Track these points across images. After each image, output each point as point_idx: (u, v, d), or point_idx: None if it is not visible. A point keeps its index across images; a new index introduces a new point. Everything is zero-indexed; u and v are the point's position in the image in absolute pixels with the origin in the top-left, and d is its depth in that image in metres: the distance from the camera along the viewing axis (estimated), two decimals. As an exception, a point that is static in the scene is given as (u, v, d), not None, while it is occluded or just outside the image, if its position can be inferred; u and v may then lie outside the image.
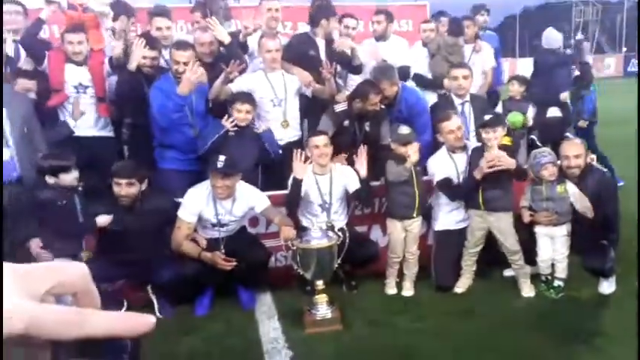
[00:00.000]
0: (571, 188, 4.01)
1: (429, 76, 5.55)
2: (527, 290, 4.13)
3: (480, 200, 4.11)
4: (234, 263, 3.89)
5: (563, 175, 4.06)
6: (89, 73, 4.61)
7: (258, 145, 4.47)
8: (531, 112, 5.41)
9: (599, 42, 34.08)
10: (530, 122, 5.37)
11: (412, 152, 4.08)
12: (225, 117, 4.39)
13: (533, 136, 5.72)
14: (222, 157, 3.88)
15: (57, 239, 3.68)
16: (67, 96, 4.56)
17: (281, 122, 4.76)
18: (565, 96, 5.99)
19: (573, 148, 4.10)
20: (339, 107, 4.61)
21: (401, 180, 4.19)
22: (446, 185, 4.28)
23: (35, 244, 3.67)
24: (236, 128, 4.37)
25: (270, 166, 4.62)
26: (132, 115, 4.66)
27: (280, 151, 4.66)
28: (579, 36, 6.35)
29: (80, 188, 3.86)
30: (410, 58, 5.52)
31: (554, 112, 5.65)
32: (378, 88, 4.54)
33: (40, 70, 4.61)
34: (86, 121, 4.62)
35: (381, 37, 5.56)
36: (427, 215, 4.53)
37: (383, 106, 4.64)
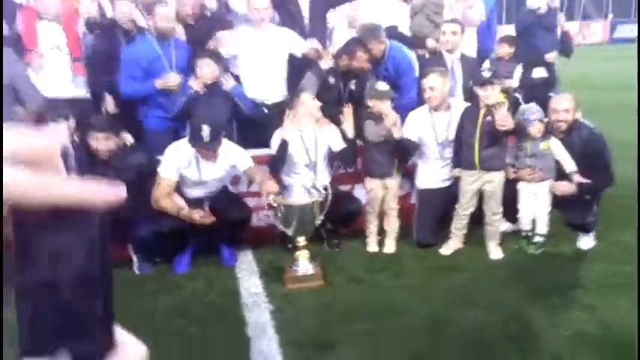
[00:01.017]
0: (555, 145, 3.99)
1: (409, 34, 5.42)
2: (497, 252, 4.12)
3: (476, 160, 4.05)
4: (212, 218, 3.83)
5: (549, 132, 4.03)
6: (63, 30, 4.46)
7: (230, 102, 4.36)
8: (518, 72, 5.36)
9: (586, 7, 33.82)
10: (517, 83, 5.32)
11: (387, 110, 4.02)
12: (192, 77, 4.28)
13: (517, 95, 5.69)
14: (206, 129, 3.77)
15: None
16: (40, 54, 4.41)
17: (267, 80, 4.63)
18: (551, 56, 5.93)
19: (563, 103, 4.06)
20: (325, 64, 4.52)
21: (379, 140, 4.15)
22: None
23: None
24: (204, 88, 4.27)
25: (247, 124, 4.53)
26: (111, 74, 4.50)
27: (266, 111, 4.57)
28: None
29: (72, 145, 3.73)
30: (392, 15, 5.40)
31: (539, 72, 5.60)
32: (365, 46, 4.45)
33: (12, 29, 4.46)
34: (61, 80, 4.48)
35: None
36: (410, 173, 4.52)
37: (369, 65, 4.55)
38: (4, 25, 4.43)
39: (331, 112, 4.27)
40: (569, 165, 3.98)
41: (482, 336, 3.09)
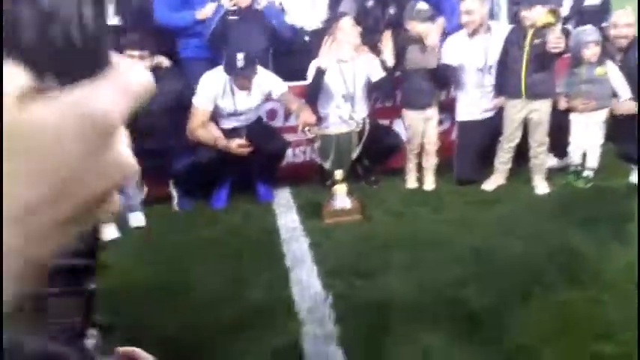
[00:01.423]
0: (612, 69, 3.75)
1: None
2: (543, 187, 3.93)
3: (522, 87, 3.82)
4: (250, 148, 3.77)
5: (606, 54, 3.78)
6: None
7: (267, 28, 4.19)
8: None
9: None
10: (566, 12, 4.99)
11: (432, 32, 3.81)
12: (200, 10, 4.15)
13: (568, 26, 5.36)
14: (240, 56, 3.67)
15: None
16: None
17: (309, 6, 4.48)
18: None
19: (625, 16, 3.81)
20: None
21: (420, 67, 3.96)
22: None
23: None
24: (235, 8, 4.11)
25: (285, 54, 4.38)
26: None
27: (307, 38, 4.41)
28: None
29: None
30: None
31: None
32: None
33: None
34: None
35: None
36: (450, 107, 4.35)
37: None
38: None
39: (369, 40, 4.08)
40: (625, 92, 3.74)
41: (528, 265, 2.98)
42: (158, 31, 4.24)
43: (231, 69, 3.72)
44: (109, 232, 3.66)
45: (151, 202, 4.09)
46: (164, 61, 3.97)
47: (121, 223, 3.77)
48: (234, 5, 4.13)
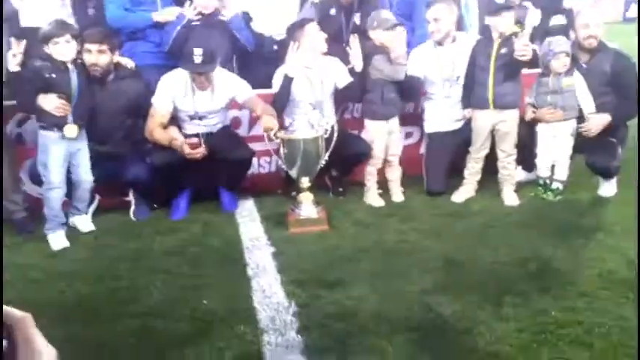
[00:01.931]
0: (579, 81, 3.73)
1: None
2: (512, 198, 3.85)
3: (490, 97, 3.77)
4: (204, 151, 3.60)
5: (574, 66, 3.77)
6: None
7: (229, 35, 4.08)
8: (532, 17, 5.07)
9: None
10: (528, 29, 5.03)
11: (397, 41, 3.75)
12: (187, 3, 4.01)
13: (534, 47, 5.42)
14: (197, 51, 3.54)
15: (42, 112, 3.33)
16: None
17: (277, 14, 4.40)
18: (570, 4, 5.61)
19: (596, 16, 3.82)
20: None
21: (386, 77, 3.88)
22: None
23: None
24: (200, 16, 4.00)
25: (251, 62, 4.27)
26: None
27: (275, 47, 4.32)
28: None
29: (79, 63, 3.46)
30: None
31: (558, 19, 5.30)
32: None
33: None
34: (46, 7, 4.19)
35: None
36: (417, 119, 4.29)
37: None
38: None
39: (333, 49, 3.98)
40: (589, 105, 3.74)
41: (499, 275, 2.87)
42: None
43: (188, 64, 3.58)
44: (58, 242, 3.43)
45: (107, 210, 3.88)
46: (129, 62, 3.81)
47: (74, 233, 3.56)
48: (198, 14, 4.01)
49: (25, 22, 4.21)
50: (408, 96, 4.08)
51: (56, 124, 3.35)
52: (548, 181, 3.93)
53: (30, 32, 4.12)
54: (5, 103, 3.80)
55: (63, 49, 3.30)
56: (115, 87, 3.67)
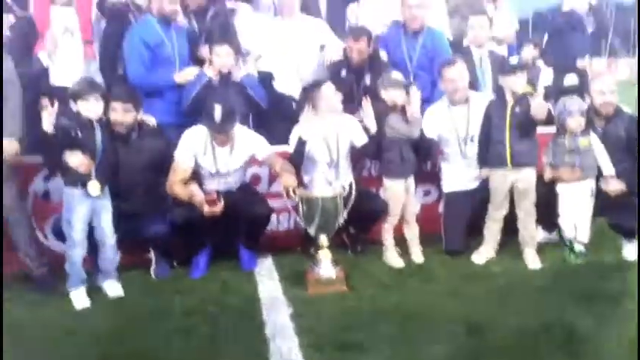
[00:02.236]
0: (595, 142, 3.75)
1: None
2: (534, 261, 3.80)
3: (507, 155, 3.79)
4: (222, 207, 3.62)
5: (590, 127, 3.79)
6: (76, 14, 4.38)
7: (244, 93, 4.16)
8: (545, 76, 5.15)
9: (613, 45, 33.70)
10: (541, 88, 5.10)
11: (412, 102, 3.84)
12: (206, 64, 4.13)
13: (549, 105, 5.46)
14: (218, 108, 3.64)
15: (67, 168, 3.40)
16: (53, 40, 4.32)
17: (295, 74, 4.50)
18: (583, 64, 5.71)
19: (609, 83, 3.86)
20: (335, 56, 4.37)
21: (410, 137, 3.94)
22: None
23: None
24: (218, 77, 4.11)
25: (268, 120, 4.36)
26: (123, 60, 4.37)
27: (294, 105, 4.42)
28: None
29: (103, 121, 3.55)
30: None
31: (571, 79, 5.38)
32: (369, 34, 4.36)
33: (25, 14, 4.41)
34: (74, 67, 4.39)
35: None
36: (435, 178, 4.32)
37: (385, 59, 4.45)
38: (16, 9, 4.39)
39: (346, 109, 4.07)
40: (608, 167, 3.74)
41: (523, 341, 2.80)
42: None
43: (209, 122, 3.66)
44: (80, 300, 3.44)
45: (127, 268, 3.90)
46: (151, 120, 3.92)
47: (94, 290, 3.57)
48: (216, 75, 4.13)
49: (55, 80, 4.41)
50: (425, 155, 4.12)
51: (80, 181, 3.41)
52: (570, 243, 3.88)
53: (59, 91, 4.32)
54: (32, 158, 3.92)
55: (91, 107, 3.40)
56: (138, 144, 3.75)
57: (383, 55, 4.55)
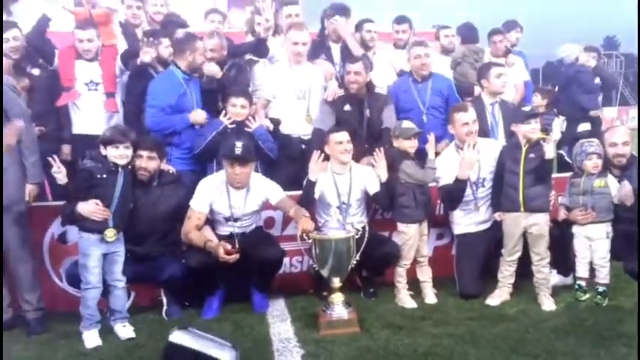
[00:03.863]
0: (612, 183, 3.77)
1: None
2: (548, 304, 3.78)
3: (521, 199, 3.82)
4: (237, 256, 3.66)
5: (607, 169, 3.83)
6: (100, 68, 4.56)
7: (254, 143, 4.22)
8: (557, 125, 5.22)
9: (623, 94, 33.86)
10: (553, 136, 5.16)
11: (429, 149, 3.97)
12: (223, 113, 4.27)
13: (561, 152, 5.51)
14: (238, 144, 3.76)
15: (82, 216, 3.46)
16: (77, 94, 4.50)
17: (304, 117, 4.62)
18: (596, 112, 5.79)
19: (621, 135, 3.91)
20: (333, 94, 4.52)
21: (424, 183, 4.00)
22: (452, 190, 4.07)
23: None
24: (233, 125, 4.24)
25: (273, 166, 4.46)
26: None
27: (303, 146, 4.54)
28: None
29: (128, 168, 3.64)
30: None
31: (584, 126, 5.46)
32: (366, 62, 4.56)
33: (51, 68, 4.60)
34: (97, 118, 4.54)
35: (403, 46, 5.48)
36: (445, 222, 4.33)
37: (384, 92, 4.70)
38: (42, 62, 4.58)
39: (356, 149, 4.18)
40: (628, 197, 3.72)
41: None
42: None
43: (228, 154, 3.75)
44: (92, 340, 3.45)
45: (139, 310, 3.91)
46: (171, 169, 4.06)
47: (106, 330, 3.57)
48: (232, 123, 4.25)
49: (76, 129, 4.56)
50: (451, 201, 4.18)
51: (96, 226, 3.47)
52: (584, 284, 3.85)
53: (81, 139, 4.45)
54: (51, 203, 4.02)
55: (121, 154, 3.54)
56: (158, 192, 3.87)
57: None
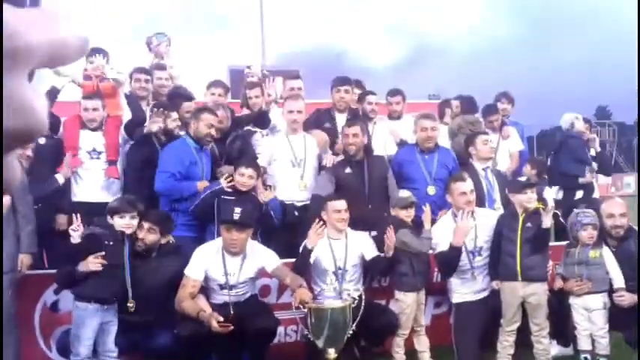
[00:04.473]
0: (607, 254, 3.77)
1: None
2: None
3: (518, 269, 3.81)
4: (231, 328, 3.57)
5: (604, 240, 3.85)
6: (103, 137, 4.64)
7: (259, 211, 4.27)
8: (550, 194, 5.28)
9: (617, 161, 34.33)
10: (551, 204, 5.21)
11: (426, 218, 3.99)
12: (225, 176, 4.33)
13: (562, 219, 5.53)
14: (237, 209, 3.77)
15: (96, 278, 3.45)
16: (80, 161, 4.57)
17: (298, 183, 4.68)
18: (587, 178, 5.87)
19: (618, 207, 3.95)
20: (333, 159, 4.61)
21: (420, 252, 4.00)
22: (447, 258, 4.06)
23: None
24: (230, 190, 4.28)
25: (272, 233, 4.48)
26: (149, 180, 4.55)
27: (296, 213, 4.56)
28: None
29: (130, 237, 3.69)
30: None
31: (577, 194, 5.53)
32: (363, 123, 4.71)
33: (56, 137, 4.69)
34: (98, 186, 4.59)
35: (398, 117, 5.62)
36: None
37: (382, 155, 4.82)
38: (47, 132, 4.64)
39: (358, 214, 4.20)
40: (619, 280, 3.74)
41: None
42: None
43: (226, 218, 3.76)
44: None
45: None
46: (170, 239, 4.07)
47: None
48: (230, 187, 4.29)
49: (76, 198, 4.59)
50: (446, 268, 4.16)
51: (94, 295, 3.45)
52: (589, 357, 3.77)
53: (80, 206, 4.47)
54: (45, 271, 3.99)
55: (127, 223, 3.59)
56: (156, 263, 3.86)
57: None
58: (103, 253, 3.47)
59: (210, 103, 5.09)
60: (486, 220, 4.15)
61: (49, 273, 3.84)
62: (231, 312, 3.74)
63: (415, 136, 4.98)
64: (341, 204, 4.07)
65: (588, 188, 5.81)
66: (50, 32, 0.30)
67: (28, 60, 0.29)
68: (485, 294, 4.10)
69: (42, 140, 4.66)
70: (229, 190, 4.30)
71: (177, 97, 5.17)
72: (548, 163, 6.56)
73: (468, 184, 4.15)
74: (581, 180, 5.82)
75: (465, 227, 3.98)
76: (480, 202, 4.41)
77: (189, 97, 5.27)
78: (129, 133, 4.73)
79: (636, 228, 3.99)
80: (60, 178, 4.44)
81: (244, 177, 4.32)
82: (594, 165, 6.15)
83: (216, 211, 4.25)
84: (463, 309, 4.14)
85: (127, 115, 4.83)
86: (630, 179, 31.77)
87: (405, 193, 4.20)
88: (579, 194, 5.63)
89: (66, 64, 0.32)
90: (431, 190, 4.65)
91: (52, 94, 4.55)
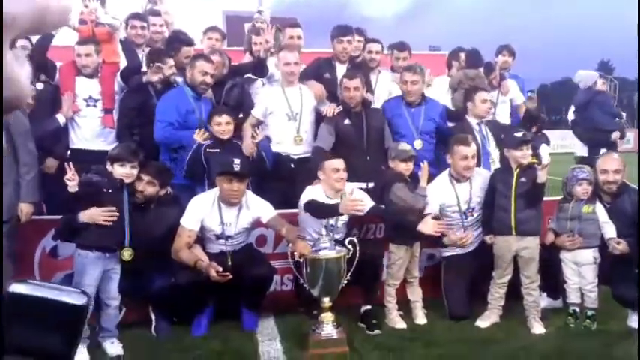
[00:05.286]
0: (600, 211, 3.80)
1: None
2: (538, 327, 3.78)
3: (512, 223, 3.85)
4: (229, 277, 3.62)
5: (598, 195, 3.87)
6: (99, 85, 4.59)
7: (248, 159, 4.23)
8: (545, 150, 5.27)
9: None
10: (545, 159, 5.21)
11: (423, 174, 4.01)
12: (197, 131, 4.29)
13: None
14: (237, 160, 3.77)
15: (97, 226, 3.45)
16: (77, 107, 4.53)
17: (294, 137, 4.65)
18: (616, 136, 5.88)
19: (613, 163, 3.94)
20: (332, 109, 4.51)
21: (417, 207, 4.01)
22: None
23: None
24: (209, 142, 4.27)
25: (262, 185, 4.48)
26: (140, 128, 4.53)
27: (292, 166, 4.56)
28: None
29: (129, 187, 3.64)
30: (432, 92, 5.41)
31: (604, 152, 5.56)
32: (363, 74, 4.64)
33: (53, 83, 4.63)
34: (94, 133, 4.57)
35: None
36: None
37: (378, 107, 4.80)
38: (43, 77, 4.60)
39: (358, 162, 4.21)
40: (611, 231, 3.76)
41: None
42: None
43: (225, 169, 3.75)
44: (79, 356, 3.42)
45: (128, 325, 3.89)
46: (169, 189, 4.08)
47: (94, 348, 3.55)
48: (206, 139, 4.25)
49: (73, 145, 4.58)
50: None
51: (96, 243, 3.46)
52: (577, 309, 3.86)
53: (77, 153, 4.45)
54: (44, 217, 4.01)
55: (128, 172, 3.57)
56: (154, 214, 3.87)
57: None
58: (104, 207, 3.47)
59: (207, 50, 5.01)
60: (480, 179, 4.16)
61: (48, 219, 3.86)
62: (229, 261, 3.79)
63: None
64: (339, 163, 3.97)
65: (614, 146, 5.84)
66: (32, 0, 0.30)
67: (11, 30, 0.28)
68: (474, 246, 4.16)
69: (40, 85, 4.62)
70: (209, 142, 4.27)
71: (177, 41, 5.07)
72: (570, 120, 6.55)
73: (471, 149, 4.11)
74: (612, 136, 5.85)
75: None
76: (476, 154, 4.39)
77: (189, 42, 5.17)
78: (125, 81, 4.67)
79: (633, 185, 4.00)
80: (61, 118, 4.45)
81: (222, 125, 4.29)
82: (624, 115, 6.15)
83: (206, 166, 4.25)
84: (452, 262, 4.21)
85: (122, 62, 4.75)
86: (630, 135, 31.74)
87: (405, 146, 4.18)
88: (603, 152, 5.63)
89: (49, 32, 0.32)
90: (417, 144, 4.61)
91: (47, 38, 4.46)
